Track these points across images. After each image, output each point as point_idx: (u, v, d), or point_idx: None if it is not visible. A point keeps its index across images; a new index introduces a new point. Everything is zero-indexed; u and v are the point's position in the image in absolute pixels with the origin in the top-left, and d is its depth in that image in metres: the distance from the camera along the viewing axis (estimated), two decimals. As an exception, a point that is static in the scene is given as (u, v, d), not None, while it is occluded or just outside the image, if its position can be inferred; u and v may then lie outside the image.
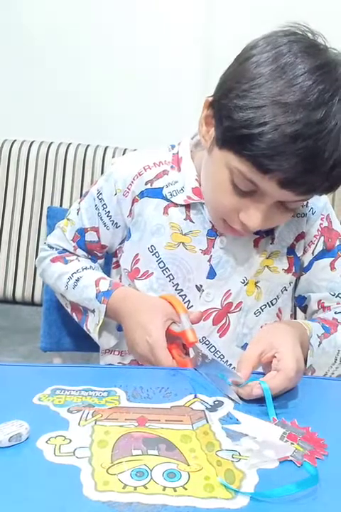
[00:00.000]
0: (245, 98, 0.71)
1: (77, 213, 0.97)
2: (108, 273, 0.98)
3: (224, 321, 0.88)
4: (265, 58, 0.72)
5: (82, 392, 0.67)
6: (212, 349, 0.88)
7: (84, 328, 0.92)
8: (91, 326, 0.90)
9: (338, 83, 0.71)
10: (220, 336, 0.88)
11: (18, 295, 2.34)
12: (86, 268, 0.94)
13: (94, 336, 0.90)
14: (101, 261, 1.00)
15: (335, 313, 0.90)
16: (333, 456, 0.57)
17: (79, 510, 0.47)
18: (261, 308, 0.90)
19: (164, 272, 0.88)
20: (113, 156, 2.29)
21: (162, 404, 0.65)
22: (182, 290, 0.88)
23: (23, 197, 2.35)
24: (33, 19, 2.35)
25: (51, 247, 1.01)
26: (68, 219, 0.98)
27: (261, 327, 0.89)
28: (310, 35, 0.75)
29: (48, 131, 2.37)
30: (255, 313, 0.89)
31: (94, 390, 0.67)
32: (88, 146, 2.33)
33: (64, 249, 0.99)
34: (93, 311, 0.89)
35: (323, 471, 0.53)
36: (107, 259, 1.01)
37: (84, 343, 1.01)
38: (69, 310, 0.97)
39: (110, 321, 0.90)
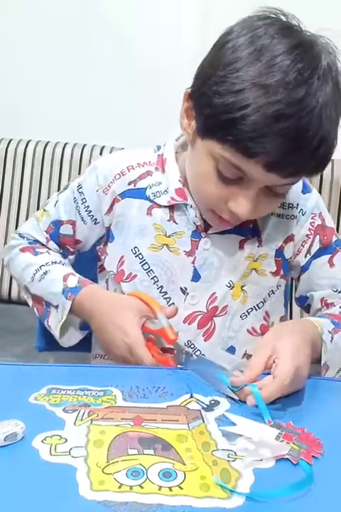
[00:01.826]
0: (224, 83, 0.70)
1: (55, 205, 0.94)
2: (94, 277, 0.96)
3: (209, 324, 0.87)
4: (241, 42, 0.71)
5: (78, 391, 0.66)
6: (197, 352, 0.86)
7: (45, 324, 0.90)
8: (53, 322, 0.88)
9: (316, 61, 0.71)
10: (205, 340, 0.87)
11: (14, 295, 2.34)
12: (55, 262, 0.92)
13: (55, 333, 0.87)
14: (71, 257, 0.97)
15: (340, 307, 0.89)
16: (329, 455, 0.57)
17: (75, 509, 0.47)
18: (247, 311, 0.88)
19: (148, 273, 0.87)
20: (109, 156, 2.28)
21: (158, 403, 0.65)
22: (166, 293, 0.87)
23: (19, 196, 2.34)
24: (32, 18, 2.35)
25: (22, 237, 0.98)
26: (44, 210, 0.96)
27: (247, 330, 0.89)
28: (283, 17, 0.75)
29: (45, 131, 2.36)
30: (241, 317, 0.88)
31: (90, 390, 0.67)
32: (84, 145, 2.33)
33: (35, 240, 0.96)
34: (56, 307, 0.87)
35: (319, 471, 0.54)
36: (92, 263, 0.97)
37: (79, 344, 1.01)
38: (30, 303, 0.94)
39: (73, 318, 0.88)
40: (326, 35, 0.74)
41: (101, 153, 2.31)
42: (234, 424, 0.61)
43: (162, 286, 0.87)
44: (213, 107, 0.72)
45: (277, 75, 0.68)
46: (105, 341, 0.82)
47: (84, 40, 2.33)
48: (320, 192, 2.19)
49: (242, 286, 0.87)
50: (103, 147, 2.32)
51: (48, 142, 2.35)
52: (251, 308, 0.89)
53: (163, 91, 2.33)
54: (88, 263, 0.97)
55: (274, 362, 0.68)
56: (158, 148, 0.93)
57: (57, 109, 2.36)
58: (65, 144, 2.34)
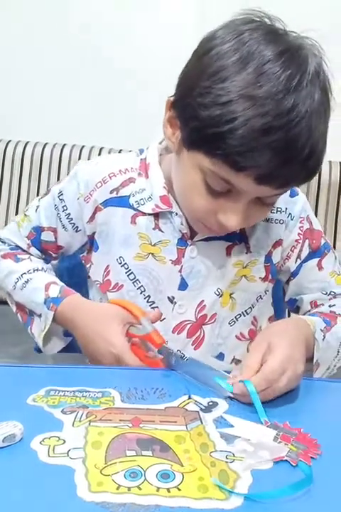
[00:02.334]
0: (209, 94, 0.67)
1: (36, 210, 0.92)
2: (85, 280, 0.95)
3: (198, 333, 0.86)
4: (226, 49, 0.68)
5: (76, 393, 0.67)
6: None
7: (29, 331, 0.89)
8: (36, 330, 0.87)
9: (304, 67, 0.68)
10: (195, 349, 0.86)
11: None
12: (37, 269, 0.91)
13: (38, 341, 0.87)
14: (54, 262, 0.96)
15: (330, 306, 0.90)
16: (326, 455, 0.57)
17: (73, 511, 0.47)
18: (235, 317, 0.88)
19: (134, 283, 0.86)
20: (108, 157, 2.28)
21: (156, 405, 0.65)
22: (154, 302, 0.86)
23: (18, 197, 2.34)
24: (31, 19, 2.35)
25: (3, 242, 0.96)
26: (25, 214, 0.94)
27: (235, 336, 0.89)
28: (267, 20, 0.72)
29: (43, 132, 2.36)
30: (229, 323, 0.88)
31: (89, 391, 0.67)
32: (83, 146, 2.33)
33: (17, 246, 0.95)
34: (39, 316, 0.86)
35: (317, 471, 0.54)
36: (82, 267, 0.95)
37: (77, 345, 1.01)
38: (14, 309, 0.93)
39: (56, 327, 0.87)
40: (311, 36, 0.72)
41: (99, 155, 2.31)
42: (231, 425, 0.61)
43: (149, 296, 0.86)
44: (199, 119, 0.69)
45: (264, 85, 0.66)
46: (91, 352, 0.81)
47: (83, 41, 2.34)
48: (317, 194, 2.19)
49: (231, 294, 0.87)
50: (101, 148, 2.33)
51: (46, 143, 2.35)
52: (240, 315, 0.88)
53: (163, 92, 2.34)
54: (79, 267, 0.96)
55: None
56: (141, 151, 0.90)
57: (56, 109, 2.37)
58: (64, 146, 2.34)
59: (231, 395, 0.67)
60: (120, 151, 2.27)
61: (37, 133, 2.36)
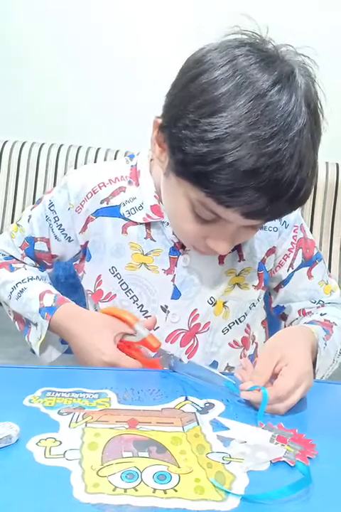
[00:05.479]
0: (195, 129, 0.65)
1: (28, 220, 0.92)
2: (80, 287, 0.94)
3: (192, 342, 0.86)
4: (213, 80, 0.65)
5: (73, 394, 0.67)
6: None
7: (26, 339, 0.90)
8: (33, 339, 0.87)
9: (293, 100, 0.65)
10: (188, 357, 0.86)
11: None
12: (32, 278, 0.91)
13: (36, 349, 0.87)
14: (49, 270, 0.97)
15: (321, 314, 0.90)
16: (322, 456, 0.57)
17: (69, 512, 0.48)
18: (229, 325, 0.88)
19: (127, 293, 0.86)
20: (105, 158, 2.28)
21: (153, 406, 0.65)
22: (147, 311, 0.86)
23: (14, 198, 2.34)
24: (29, 18, 2.35)
25: None
26: (18, 224, 0.94)
27: (229, 344, 0.89)
28: (258, 41, 0.69)
29: (40, 132, 2.36)
30: (223, 331, 0.88)
31: (85, 392, 0.67)
32: (80, 147, 2.33)
33: (11, 256, 0.95)
34: (36, 325, 0.86)
35: (313, 472, 0.54)
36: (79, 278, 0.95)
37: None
38: (11, 318, 0.94)
39: (52, 335, 0.87)
40: (306, 53, 0.69)
41: (96, 156, 2.31)
42: (227, 428, 0.61)
43: (142, 305, 0.86)
44: (185, 153, 0.66)
45: (252, 124, 0.63)
46: (84, 361, 0.81)
47: (80, 42, 2.33)
48: (314, 195, 2.20)
49: (224, 303, 0.87)
50: (98, 149, 2.33)
51: (43, 144, 2.35)
52: (233, 323, 0.88)
53: (162, 93, 2.34)
54: (75, 272, 0.95)
55: (280, 370, 0.68)
56: (131, 157, 0.89)
57: (52, 110, 2.36)
58: (61, 146, 2.34)
59: (243, 399, 0.67)
60: (117, 153, 2.27)
61: (34, 133, 2.36)
